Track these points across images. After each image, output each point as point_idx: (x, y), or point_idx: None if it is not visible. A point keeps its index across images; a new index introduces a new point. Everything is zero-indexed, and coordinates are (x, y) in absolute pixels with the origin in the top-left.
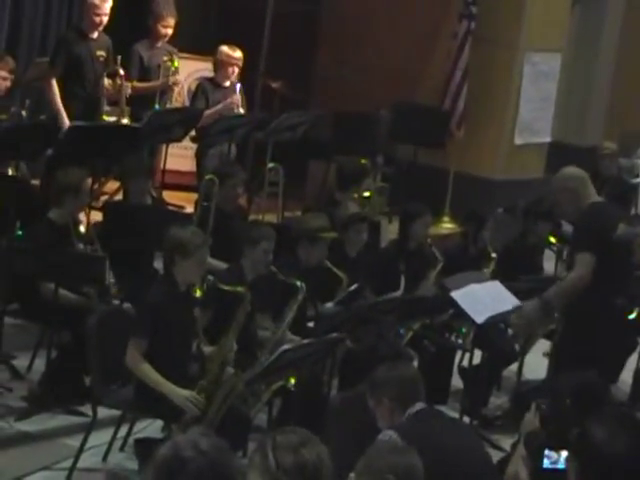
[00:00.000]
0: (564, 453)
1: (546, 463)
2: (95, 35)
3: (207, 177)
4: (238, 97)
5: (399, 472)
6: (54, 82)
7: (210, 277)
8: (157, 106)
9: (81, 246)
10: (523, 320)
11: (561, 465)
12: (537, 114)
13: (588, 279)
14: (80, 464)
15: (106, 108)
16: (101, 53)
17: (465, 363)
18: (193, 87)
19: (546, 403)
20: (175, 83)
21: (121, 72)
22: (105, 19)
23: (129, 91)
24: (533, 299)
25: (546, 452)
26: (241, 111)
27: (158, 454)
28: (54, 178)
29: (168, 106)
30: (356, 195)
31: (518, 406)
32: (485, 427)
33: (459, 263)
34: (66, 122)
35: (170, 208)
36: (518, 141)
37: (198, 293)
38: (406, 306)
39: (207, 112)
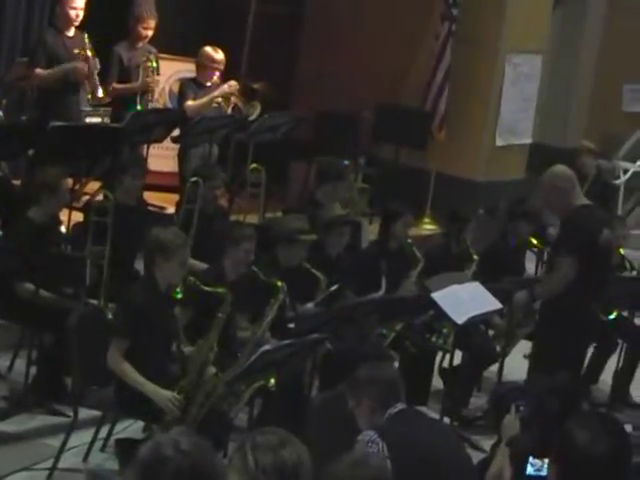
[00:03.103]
0: (547, 460)
1: (530, 470)
2: (72, 33)
3: (192, 179)
4: (234, 83)
5: None
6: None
7: (191, 277)
8: (138, 107)
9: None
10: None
11: (544, 472)
12: (518, 115)
13: (570, 281)
14: (61, 464)
15: (87, 108)
16: (79, 51)
17: (446, 364)
18: (174, 88)
19: (524, 405)
20: (153, 83)
21: (89, 53)
22: (81, 13)
23: (98, 67)
24: (524, 291)
25: (530, 460)
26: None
27: (139, 454)
28: (32, 177)
29: (149, 107)
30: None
31: (496, 408)
32: (465, 428)
33: (441, 264)
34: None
35: (151, 209)
36: (499, 142)
37: (179, 295)
38: (387, 307)
39: (193, 104)
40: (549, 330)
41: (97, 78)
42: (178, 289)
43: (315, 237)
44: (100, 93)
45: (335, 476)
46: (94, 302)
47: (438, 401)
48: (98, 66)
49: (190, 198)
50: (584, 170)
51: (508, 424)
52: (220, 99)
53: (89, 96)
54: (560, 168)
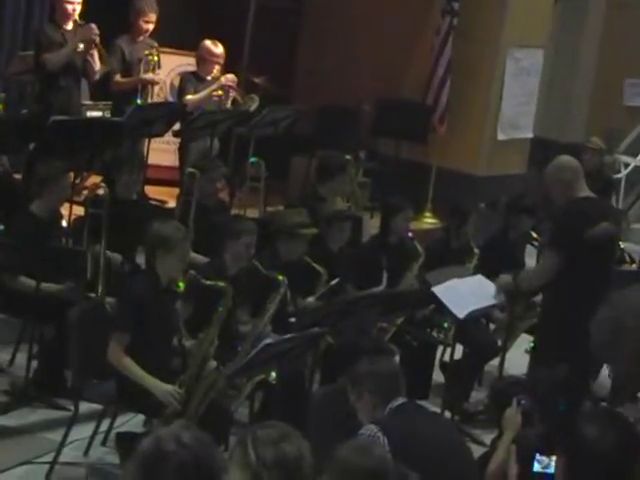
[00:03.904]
0: (555, 458)
1: (537, 467)
2: (70, 26)
3: (188, 171)
4: (231, 76)
5: (368, 473)
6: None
7: (192, 271)
8: (139, 101)
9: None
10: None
11: (551, 470)
12: (519, 110)
13: (551, 276)
14: (61, 458)
15: (87, 102)
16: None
17: (446, 358)
18: (175, 82)
19: (526, 398)
20: (153, 82)
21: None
22: (78, 7)
23: (97, 32)
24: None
25: (537, 457)
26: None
27: (140, 448)
28: (35, 170)
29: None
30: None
31: (497, 402)
32: (466, 422)
33: (441, 258)
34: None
35: (152, 203)
36: (500, 137)
37: (181, 287)
38: (387, 301)
39: (192, 98)
40: (550, 324)
41: (100, 46)
42: (180, 283)
43: (316, 231)
44: (98, 65)
45: (339, 462)
46: (93, 295)
47: (439, 395)
48: (97, 31)
49: (188, 190)
50: (586, 166)
51: (509, 418)
52: (220, 92)
53: (97, 66)
54: (565, 159)
